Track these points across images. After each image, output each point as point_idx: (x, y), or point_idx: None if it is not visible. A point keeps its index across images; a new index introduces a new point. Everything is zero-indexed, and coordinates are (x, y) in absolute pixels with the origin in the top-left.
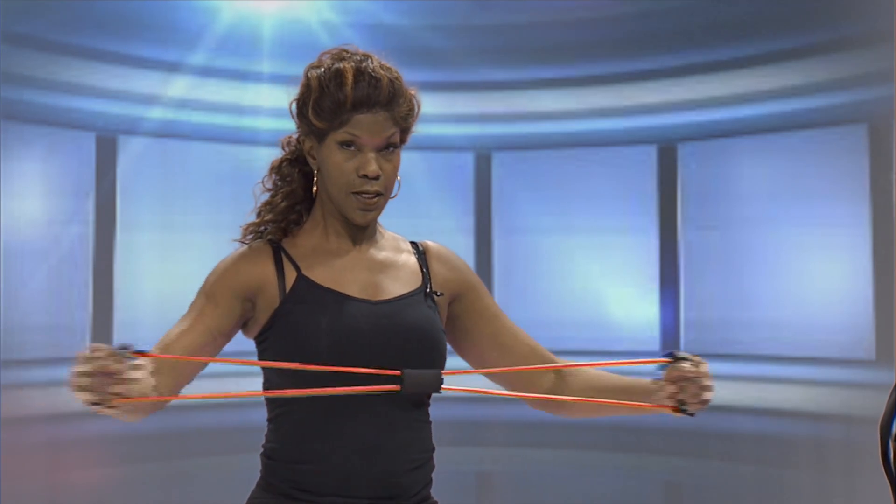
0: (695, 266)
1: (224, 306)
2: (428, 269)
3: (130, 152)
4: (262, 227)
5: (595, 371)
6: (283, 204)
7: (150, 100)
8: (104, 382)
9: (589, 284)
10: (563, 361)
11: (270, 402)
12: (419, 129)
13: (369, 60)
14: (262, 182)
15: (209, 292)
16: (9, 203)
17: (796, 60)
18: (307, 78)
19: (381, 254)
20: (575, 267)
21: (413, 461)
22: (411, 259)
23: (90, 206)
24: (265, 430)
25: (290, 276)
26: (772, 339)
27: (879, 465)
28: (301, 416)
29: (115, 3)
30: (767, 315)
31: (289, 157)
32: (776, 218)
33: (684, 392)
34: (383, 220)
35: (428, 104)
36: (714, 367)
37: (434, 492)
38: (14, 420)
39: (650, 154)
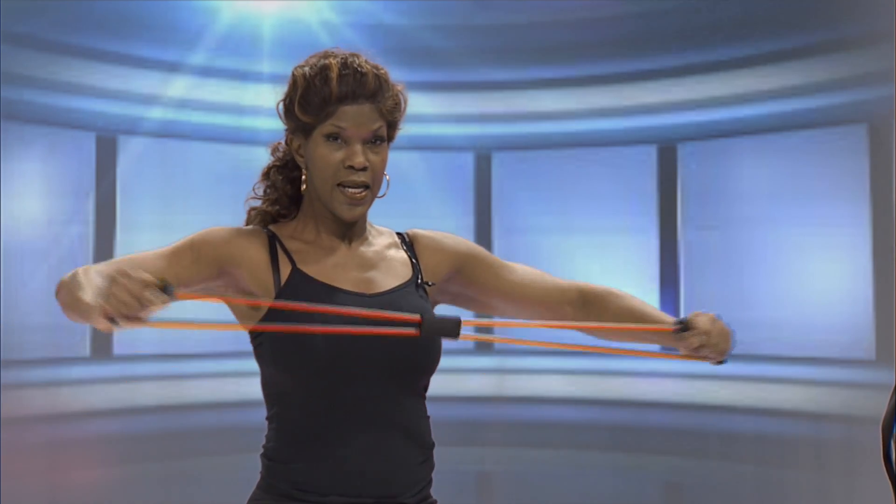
0: (695, 266)
1: (202, 263)
2: (417, 259)
3: (130, 152)
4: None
5: (626, 304)
6: (270, 210)
7: (150, 100)
8: (131, 306)
9: None
10: (590, 287)
11: (268, 398)
12: (419, 129)
13: (355, 57)
14: (254, 189)
15: (196, 244)
16: (9, 203)
17: (796, 60)
18: (293, 76)
19: (372, 250)
20: (575, 267)
21: (414, 458)
22: (400, 251)
23: (90, 206)
24: (265, 431)
25: (285, 268)
26: (772, 339)
27: (880, 465)
28: (300, 414)
29: (115, 3)
30: (767, 315)
31: (277, 163)
32: (776, 218)
33: (701, 353)
34: (383, 220)
35: (428, 104)
36: (714, 367)
37: (434, 492)
38: (14, 420)
39: (650, 154)
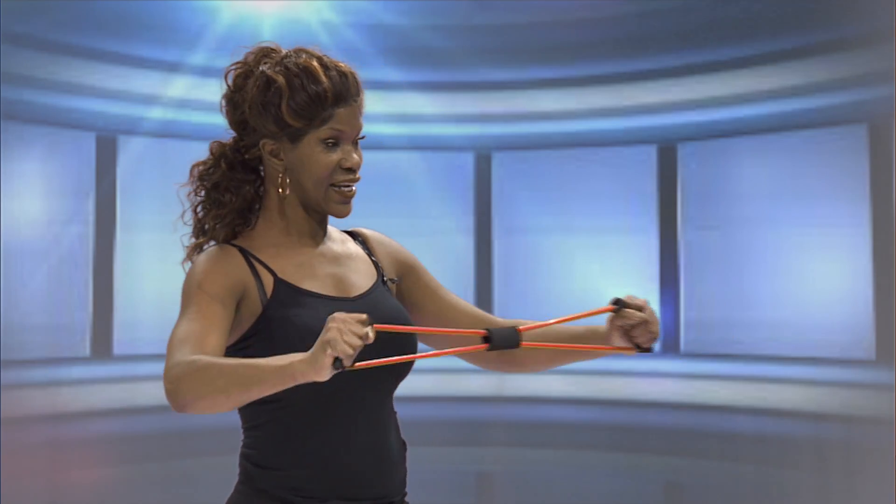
0: (695, 266)
1: (229, 306)
2: (375, 258)
3: (130, 152)
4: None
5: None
6: (230, 217)
7: (150, 100)
8: (355, 344)
9: (589, 284)
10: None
11: (258, 404)
12: (419, 129)
13: (323, 56)
14: (195, 191)
15: (211, 292)
16: (9, 203)
17: (796, 60)
18: (267, 78)
19: (337, 247)
20: (575, 267)
21: (401, 455)
22: (358, 249)
23: (90, 206)
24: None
25: (268, 279)
26: (772, 339)
27: (880, 465)
28: (296, 420)
29: (115, 3)
30: (767, 315)
31: (224, 167)
32: (776, 218)
33: (634, 336)
34: (384, 219)
35: (428, 104)
36: (714, 367)
37: (434, 492)
38: (14, 420)
39: (650, 154)
